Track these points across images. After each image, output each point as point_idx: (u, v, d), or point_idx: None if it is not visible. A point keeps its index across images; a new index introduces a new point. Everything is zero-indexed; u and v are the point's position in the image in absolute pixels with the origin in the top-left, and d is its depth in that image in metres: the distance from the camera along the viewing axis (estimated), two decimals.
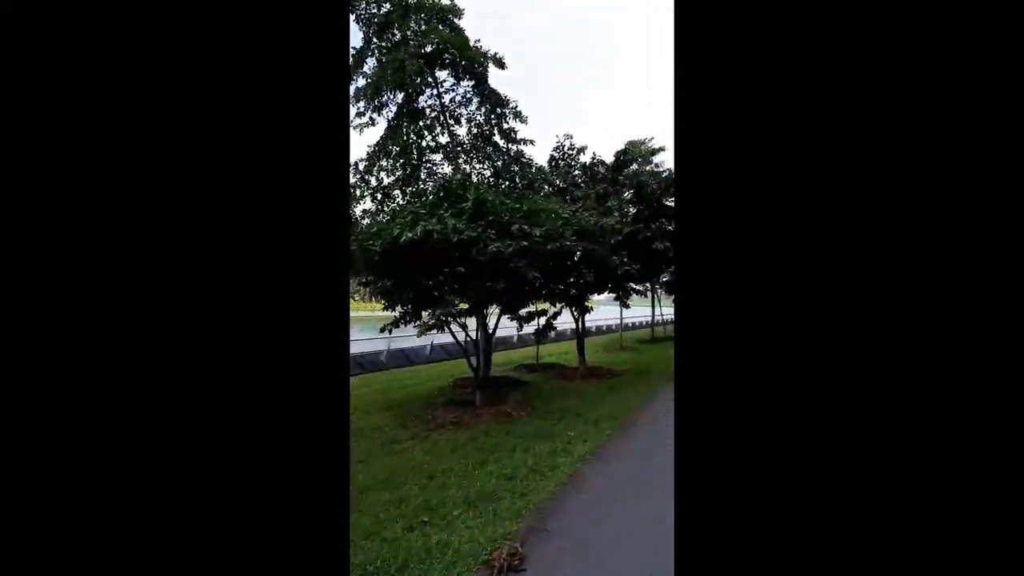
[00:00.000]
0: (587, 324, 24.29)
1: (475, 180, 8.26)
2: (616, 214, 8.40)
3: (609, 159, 10.00)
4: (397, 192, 8.71)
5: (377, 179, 8.58)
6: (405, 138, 8.43)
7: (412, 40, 8.14)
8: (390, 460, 4.53)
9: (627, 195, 9.67)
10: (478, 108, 8.78)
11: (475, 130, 8.91)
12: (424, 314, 6.19)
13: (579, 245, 7.75)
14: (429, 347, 13.05)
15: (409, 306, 6.20)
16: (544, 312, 9.30)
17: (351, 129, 8.33)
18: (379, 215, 8.47)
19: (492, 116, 8.75)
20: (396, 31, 8.18)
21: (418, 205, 6.25)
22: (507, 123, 8.83)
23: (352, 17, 8.12)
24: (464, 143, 8.91)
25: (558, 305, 9.20)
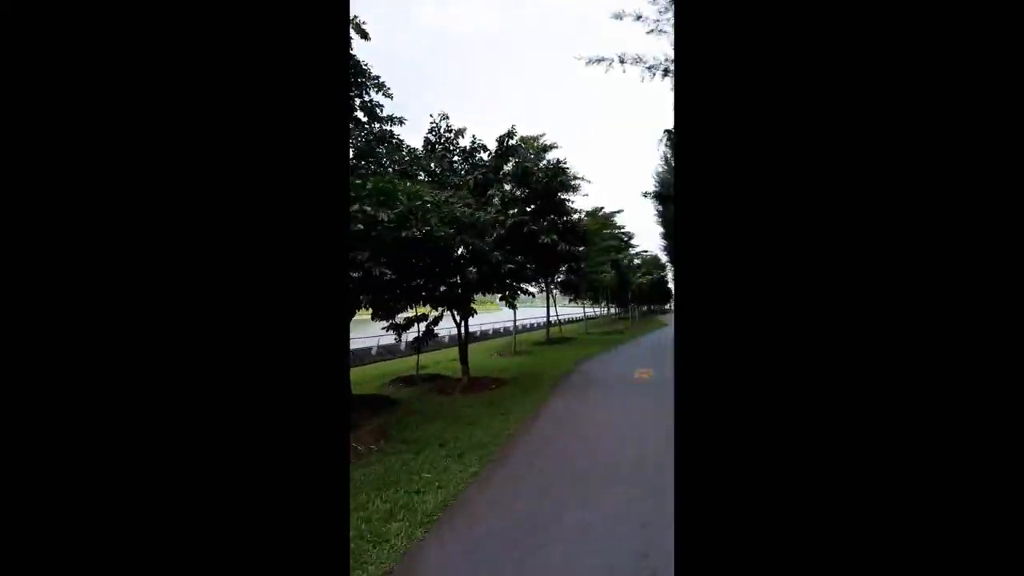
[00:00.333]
0: (483, 326, 24.05)
1: None
2: (497, 202, 7.33)
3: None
4: None
5: None
6: None
7: None
8: None
9: (510, 187, 8.65)
10: None
11: None
12: None
13: (457, 239, 6.60)
14: None
15: None
16: (424, 317, 8.07)
17: None
18: None
19: (351, 88, 7.29)
20: None
21: None
22: (368, 96, 7.39)
23: None
24: None
25: (439, 308, 8.00)
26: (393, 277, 5.00)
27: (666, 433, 4.93)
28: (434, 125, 8.49)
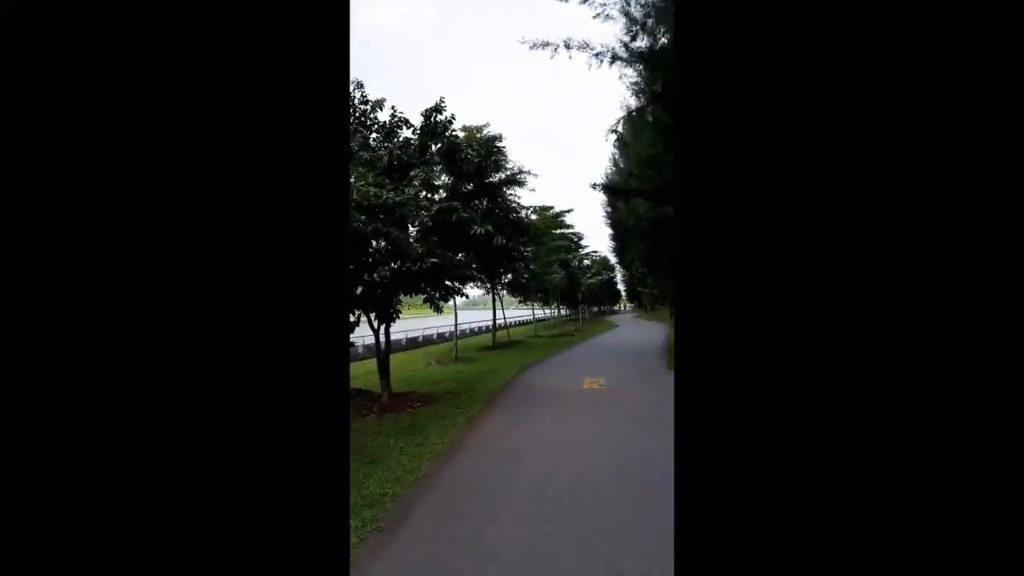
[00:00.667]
0: (427, 331, 22.59)
1: None
2: (419, 184, 6.00)
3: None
4: None
5: None
6: None
7: None
8: None
9: (439, 169, 7.33)
10: None
11: None
12: None
13: (370, 229, 5.25)
14: None
15: None
16: None
17: None
18: None
19: None
20: None
21: None
22: None
23: None
24: None
25: (356, 312, 6.59)
26: None
27: (632, 476, 3.76)
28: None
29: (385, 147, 6.63)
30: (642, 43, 11.52)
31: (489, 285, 15.93)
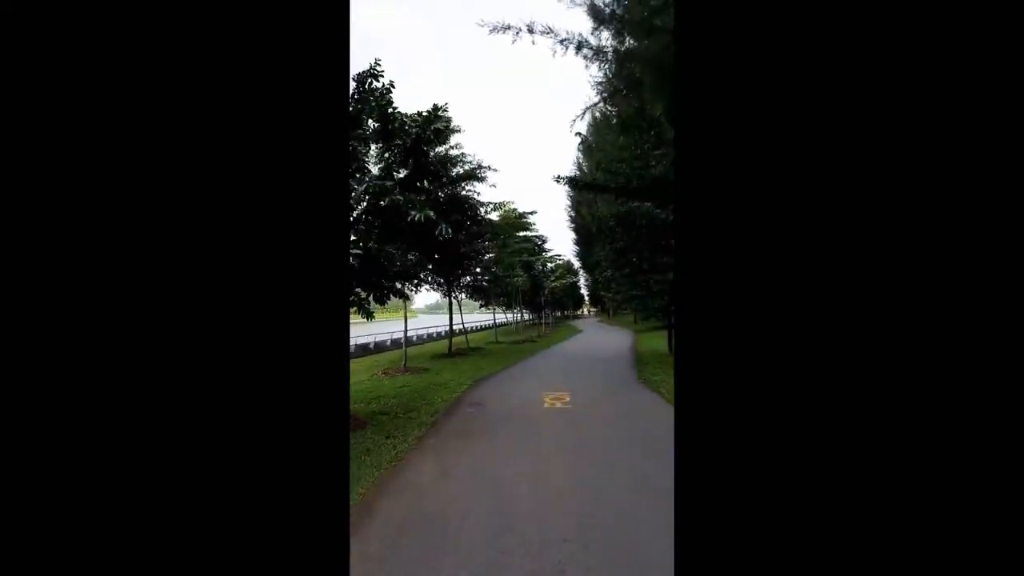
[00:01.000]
0: (379, 336, 20.97)
1: None
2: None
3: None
4: None
5: None
6: None
7: None
8: None
9: (376, 147, 5.99)
10: None
11: None
12: None
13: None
14: None
15: None
16: None
17: None
18: None
19: None
20: None
21: None
22: None
23: None
24: None
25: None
26: None
27: (618, 567, 2.55)
28: None
29: None
30: (607, 36, 10.59)
31: (446, 287, 14.59)
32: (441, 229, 5.90)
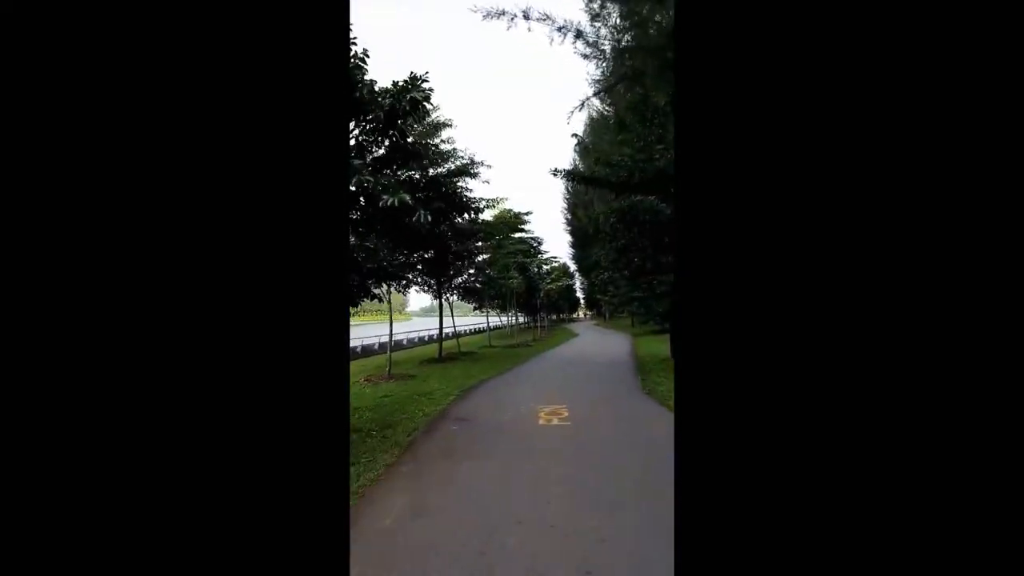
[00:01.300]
0: (367, 340, 20.13)
1: None
2: None
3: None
4: None
5: None
6: None
7: None
8: None
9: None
10: None
11: None
12: None
13: None
14: None
15: None
16: None
17: None
18: None
19: None
20: None
21: None
22: None
23: None
24: None
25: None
26: None
27: None
28: None
29: None
30: (610, 20, 9.89)
31: (435, 288, 13.78)
32: (419, 215, 5.09)
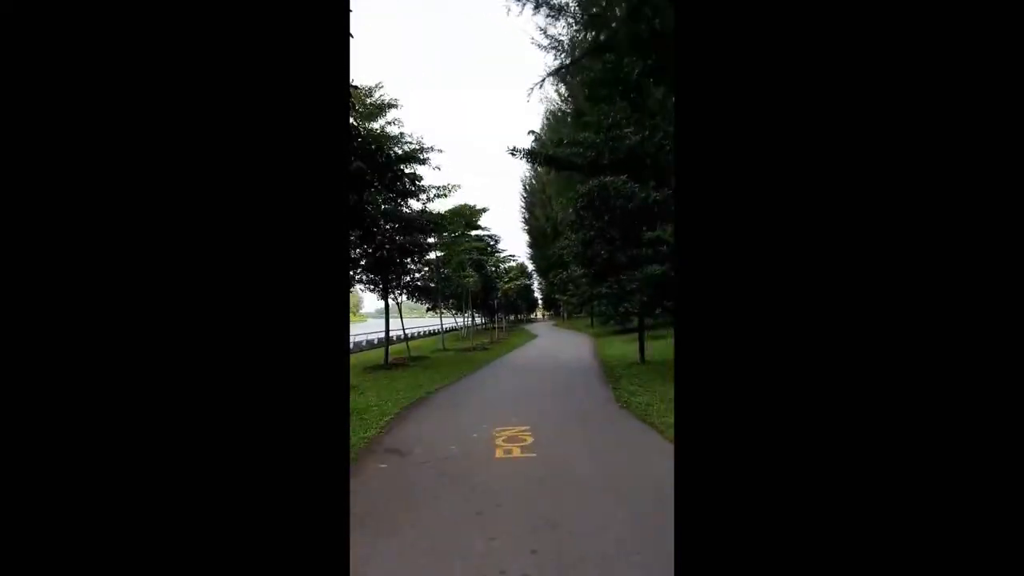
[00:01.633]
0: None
1: None
2: None
3: None
4: None
5: None
6: None
7: None
8: None
9: None
10: None
11: None
12: None
13: None
14: None
15: None
16: None
17: None
18: None
19: None
20: None
21: None
22: None
23: None
24: None
25: None
26: None
27: None
28: None
29: None
30: None
31: (381, 288, 12.21)
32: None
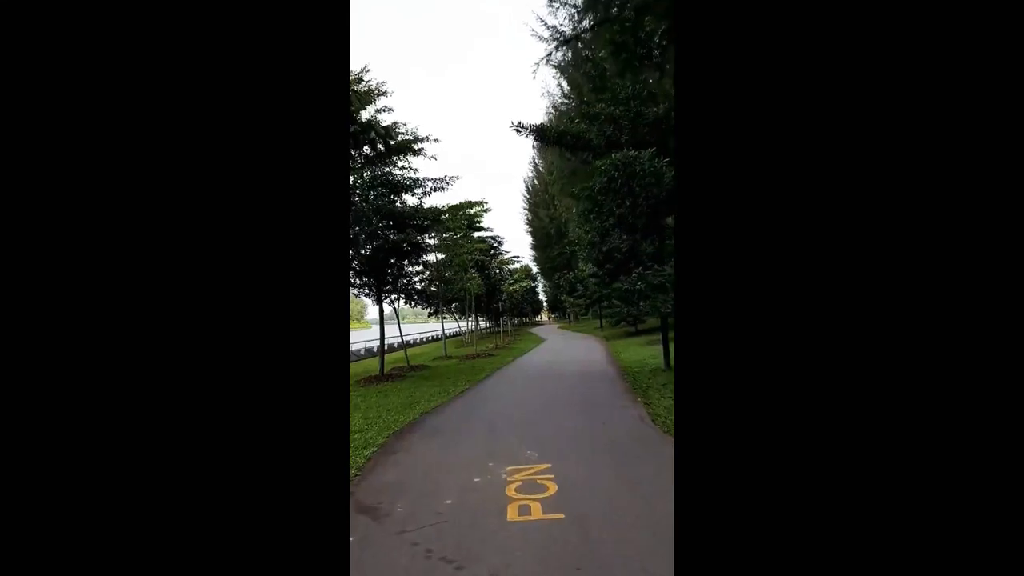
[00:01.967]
0: None
1: None
2: None
3: None
4: None
5: None
6: None
7: None
8: None
9: None
10: None
11: None
12: None
13: None
14: None
15: None
16: None
17: None
18: None
19: None
20: None
21: None
22: None
23: None
24: None
25: None
26: None
27: None
28: None
29: None
30: None
31: (375, 293, 11.05)
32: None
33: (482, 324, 29.40)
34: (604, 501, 3.09)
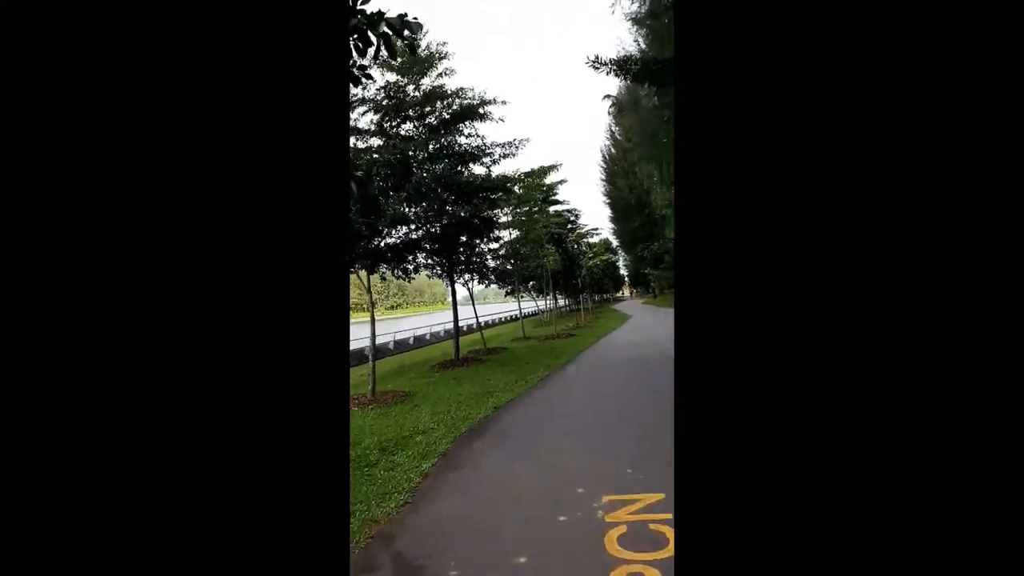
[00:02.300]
0: (394, 335, 16.99)
1: None
2: None
3: None
4: None
5: None
6: None
7: None
8: None
9: None
10: None
11: None
12: None
13: None
14: None
15: None
16: None
17: None
18: None
19: None
20: None
21: None
22: None
23: None
24: None
25: None
26: None
27: None
28: None
29: None
30: None
31: (446, 271, 10.35)
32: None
33: (561, 302, 28.25)
34: None
